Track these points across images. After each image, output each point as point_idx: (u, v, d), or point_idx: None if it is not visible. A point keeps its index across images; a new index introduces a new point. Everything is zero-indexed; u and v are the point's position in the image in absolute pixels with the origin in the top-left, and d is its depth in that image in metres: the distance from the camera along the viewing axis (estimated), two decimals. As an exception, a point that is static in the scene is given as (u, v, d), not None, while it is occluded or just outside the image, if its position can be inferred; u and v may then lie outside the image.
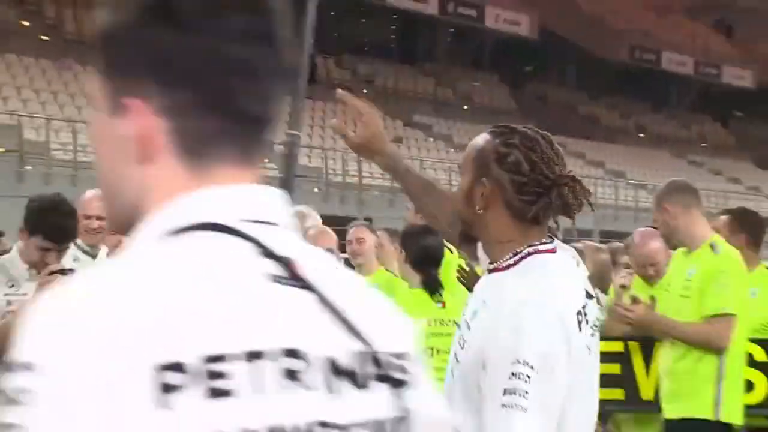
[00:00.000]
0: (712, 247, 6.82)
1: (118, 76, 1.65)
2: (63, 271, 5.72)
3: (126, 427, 1.29)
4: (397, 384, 1.63)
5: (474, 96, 50.86)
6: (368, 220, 16.81)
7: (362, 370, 1.59)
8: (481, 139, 3.25)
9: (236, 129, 1.49)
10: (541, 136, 3.25)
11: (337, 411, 1.52)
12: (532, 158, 3.11)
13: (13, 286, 5.80)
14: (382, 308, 1.78)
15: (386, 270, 9.06)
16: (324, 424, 1.48)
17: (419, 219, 7.13)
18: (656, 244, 7.72)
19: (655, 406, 7.00)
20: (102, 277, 1.49)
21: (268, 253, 1.47)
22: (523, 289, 3.04)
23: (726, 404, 6.55)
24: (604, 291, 8.36)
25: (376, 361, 1.59)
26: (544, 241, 3.19)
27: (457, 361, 3.20)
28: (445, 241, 6.92)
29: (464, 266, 6.51)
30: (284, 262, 1.47)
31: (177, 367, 1.28)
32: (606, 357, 6.86)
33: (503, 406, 2.82)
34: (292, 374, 1.46)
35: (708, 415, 6.54)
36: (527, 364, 2.84)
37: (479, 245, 3.42)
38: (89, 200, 6.87)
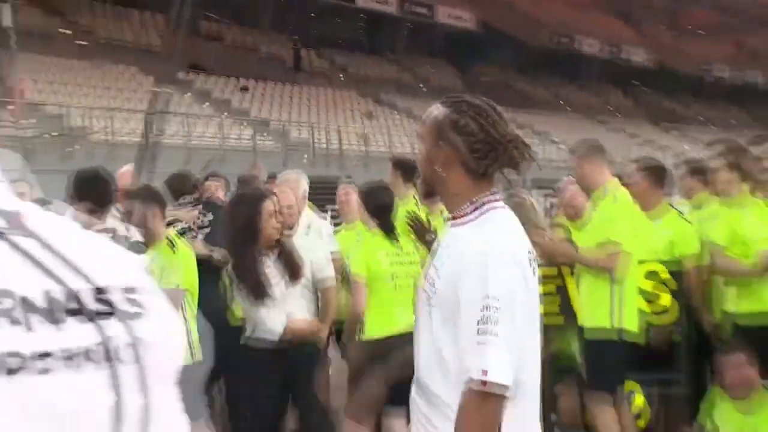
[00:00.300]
0: (607, 190, 6.86)
1: None
2: (106, 230, 5.75)
3: None
4: (126, 316, 1.55)
5: (429, 78, 50.96)
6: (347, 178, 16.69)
7: (73, 305, 1.51)
8: (435, 109, 3.23)
9: None
10: (486, 103, 3.24)
11: (35, 341, 1.41)
12: (480, 122, 3.10)
13: None
14: (108, 250, 1.71)
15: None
16: (15, 354, 1.37)
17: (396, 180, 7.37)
18: (573, 191, 7.73)
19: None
20: None
21: None
22: (485, 240, 3.03)
23: (619, 314, 6.60)
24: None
25: (95, 296, 1.51)
26: (493, 191, 3.18)
27: (431, 296, 3.11)
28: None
29: (418, 216, 6.72)
30: (8, 215, 1.43)
31: None
32: (545, 279, 6.74)
33: (478, 333, 2.83)
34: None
35: (605, 323, 6.62)
36: (495, 299, 2.85)
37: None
38: (122, 174, 6.79)
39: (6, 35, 26.07)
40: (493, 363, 2.79)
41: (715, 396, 6.62)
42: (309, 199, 8.58)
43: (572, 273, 7.10)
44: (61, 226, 1.61)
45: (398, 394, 3.46)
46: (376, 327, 6.63)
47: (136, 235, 6.14)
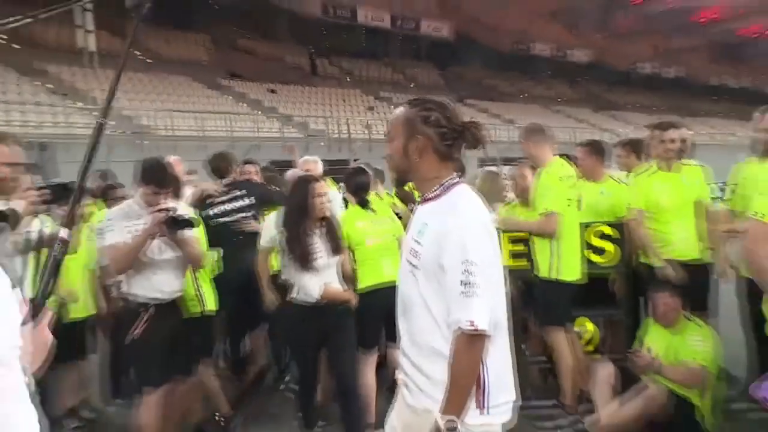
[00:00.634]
0: (542, 167, 6.85)
1: None
2: (167, 209, 5.69)
3: None
4: None
5: (417, 78, 50.82)
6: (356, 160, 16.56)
7: None
8: (402, 110, 3.26)
9: None
10: (443, 100, 3.28)
11: None
12: (445, 114, 3.16)
13: (131, 219, 5.71)
14: None
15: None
16: None
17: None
18: (524, 169, 7.62)
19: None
20: None
21: None
22: (459, 213, 3.06)
23: (557, 266, 6.64)
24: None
25: None
26: (457, 173, 3.23)
27: (416, 265, 3.09)
28: None
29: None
30: None
31: None
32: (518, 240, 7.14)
33: (463, 290, 2.91)
34: None
35: (546, 275, 6.67)
36: (473, 262, 2.93)
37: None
38: (175, 162, 6.72)
39: (91, 57, 25.98)
40: (476, 313, 2.89)
41: (648, 324, 6.62)
42: (326, 176, 8.52)
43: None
44: None
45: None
46: (364, 279, 6.57)
47: (189, 213, 6.10)
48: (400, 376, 3.30)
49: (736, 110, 55.59)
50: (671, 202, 6.84)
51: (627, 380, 6.46)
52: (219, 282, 7.40)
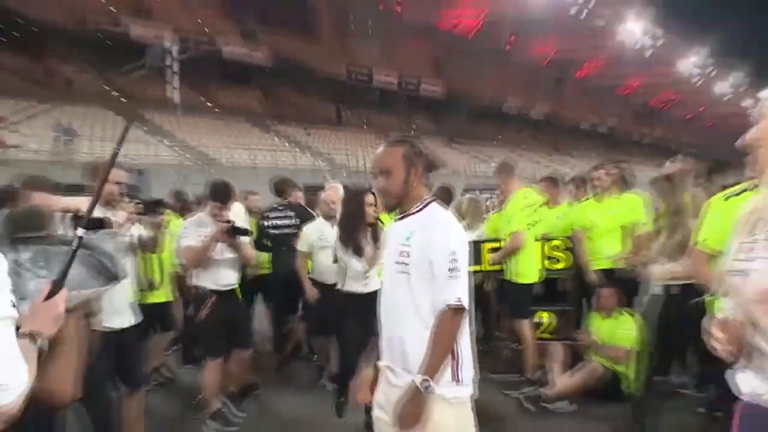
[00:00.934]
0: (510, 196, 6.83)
1: None
2: (228, 221, 5.70)
3: None
4: None
5: (417, 124, 50.75)
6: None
7: None
8: (396, 147, 3.07)
9: None
10: (417, 138, 3.26)
11: None
12: (423, 150, 3.12)
13: (201, 227, 5.69)
14: None
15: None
16: None
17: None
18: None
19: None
20: None
21: None
22: (440, 220, 3.02)
23: (516, 271, 6.66)
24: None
25: None
26: (430, 193, 3.16)
27: (405, 263, 2.96)
28: None
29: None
30: None
31: None
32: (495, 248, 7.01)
33: (449, 277, 2.88)
34: None
35: (510, 277, 6.70)
36: (457, 253, 2.91)
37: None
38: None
39: (175, 106, 26.16)
40: (460, 292, 2.87)
41: (592, 316, 6.74)
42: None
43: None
44: None
45: None
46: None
47: (244, 224, 6.08)
48: (384, 361, 3.09)
49: (651, 158, 55.57)
50: (601, 224, 6.87)
51: (574, 358, 6.64)
52: (269, 279, 7.63)
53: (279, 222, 7.38)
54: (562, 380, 6.24)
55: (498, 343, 7.95)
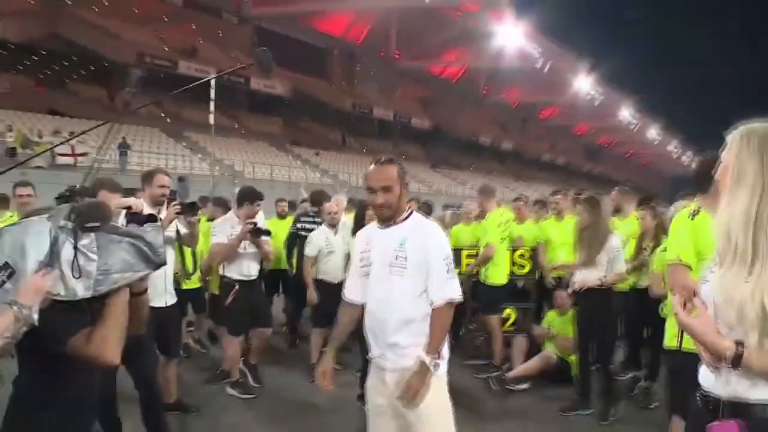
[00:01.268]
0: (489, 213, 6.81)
1: None
2: (254, 223, 5.67)
3: None
4: None
5: (408, 151, 50.68)
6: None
7: None
8: (391, 166, 2.89)
9: None
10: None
11: None
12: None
13: (230, 227, 5.69)
14: None
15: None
16: None
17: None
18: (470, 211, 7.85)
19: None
20: None
21: None
22: (431, 226, 2.97)
23: (487, 274, 6.62)
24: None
25: None
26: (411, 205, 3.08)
27: (402, 266, 2.84)
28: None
29: None
30: None
31: None
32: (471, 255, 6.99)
33: (448, 278, 2.85)
34: None
35: (484, 280, 6.65)
36: (449, 256, 2.88)
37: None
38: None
39: (211, 128, 26.13)
40: (457, 288, 2.88)
41: (550, 314, 6.74)
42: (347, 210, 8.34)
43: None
44: None
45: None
46: None
47: (265, 225, 6.03)
48: (374, 353, 2.97)
49: (597, 187, 55.71)
50: (557, 239, 6.88)
51: (533, 348, 6.62)
52: (290, 275, 7.56)
53: (309, 226, 7.19)
54: (522, 365, 6.25)
55: (471, 335, 7.89)
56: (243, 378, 5.91)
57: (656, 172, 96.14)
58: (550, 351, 6.32)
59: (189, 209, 4.78)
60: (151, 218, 2.41)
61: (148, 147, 28.22)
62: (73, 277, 1.97)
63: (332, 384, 3.02)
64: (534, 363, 6.22)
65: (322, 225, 6.69)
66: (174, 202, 4.71)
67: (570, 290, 5.46)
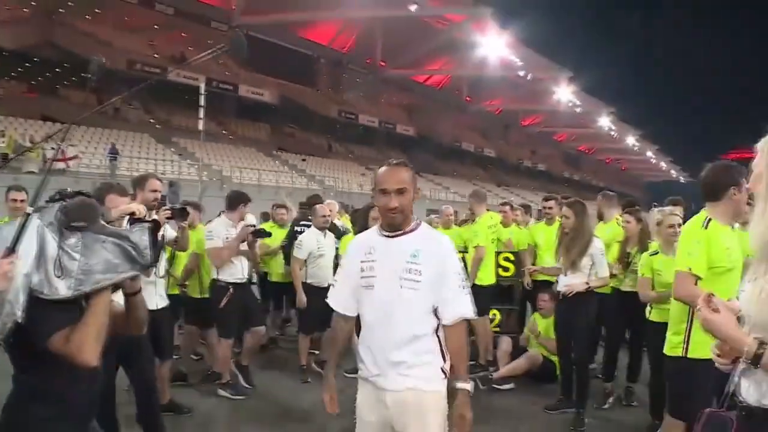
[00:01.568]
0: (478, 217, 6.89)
1: None
2: (247, 224, 5.74)
3: None
4: None
5: (391, 157, 50.30)
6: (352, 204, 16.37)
7: None
8: (405, 168, 2.61)
9: None
10: None
11: None
12: None
13: (225, 229, 5.69)
14: None
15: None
16: None
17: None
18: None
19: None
20: None
21: None
22: (442, 239, 2.65)
23: (476, 275, 6.51)
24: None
25: None
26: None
27: (416, 280, 2.50)
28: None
29: None
30: None
31: None
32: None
33: (462, 293, 2.55)
34: None
35: (472, 281, 6.40)
36: (462, 271, 2.61)
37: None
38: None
39: (200, 134, 26.05)
40: (471, 304, 2.58)
41: (534, 316, 6.77)
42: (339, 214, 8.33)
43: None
44: None
45: None
46: None
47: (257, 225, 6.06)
48: (372, 371, 2.62)
49: (577, 193, 56.10)
50: (545, 244, 6.83)
51: (517, 348, 6.67)
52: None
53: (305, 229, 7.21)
54: (507, 366, 6.28)
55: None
56: (234, 379, 5.88)
57: (634, 179, 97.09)
58: (535, 351, 6.36)
59: (180, 214, 4.75)
60: (155, 224, 2.39)
61: (138, 152, 28.07)
62: (55, 275, 1.94)
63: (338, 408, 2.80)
64: (519, 363, 6.26)
65: (312, 227, 6.56)
66: (164, 207, 4.68)
67: (560, 294, 5.35)
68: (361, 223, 5.80)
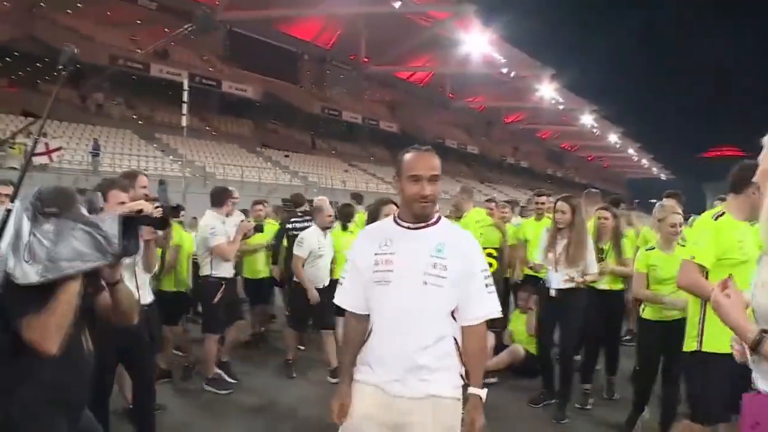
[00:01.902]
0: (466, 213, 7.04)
1: None
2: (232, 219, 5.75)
3: None
4: None
5: (375, 154, 50.47)
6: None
7: None
8: (436, 156, 2.49)
9: None
10: None
11: None
12: None
13: (221, 224, 5.76)
14: None
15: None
16: None
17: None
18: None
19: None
20: None
21: None
22: (466, 234, 2.47)
23: None
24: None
25: None
26: None
27: (441, 276, 2.29)
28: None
29: None
30: None
31: None
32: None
33: (488, 292, 2.38)
34: None
35: None
36: (487, 268, 2.43)
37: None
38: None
39: (183, 130, 25.89)
40: (497, 302, 2.44)
41: (515, 314, 6.96)
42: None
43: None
44: None
45: None
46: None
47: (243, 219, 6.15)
48: (386, 375, 2.38)
49: (561, 190, 56.41)
50: (534, 239, 6.74)
51: (500, 344, 6.76)
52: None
53: (299, 225, 7.22)
54: (491, 360, 6.26)
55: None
56: (217, 375, 5.90)
57: (616, 176, 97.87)
58: (518, 346, 6.45)
59: (173, 211, 4.75)
60: (163, 221, 2.36)
61: (120, 149, 27.80)
62: (25, 260, 1.93)
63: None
64: (502, 357, 6.34)
65: (313, 226, 6.50)
66: (156, 205, 4.67)
67: (554, 290, 5.23)
68: (372, 220, 5.82)
